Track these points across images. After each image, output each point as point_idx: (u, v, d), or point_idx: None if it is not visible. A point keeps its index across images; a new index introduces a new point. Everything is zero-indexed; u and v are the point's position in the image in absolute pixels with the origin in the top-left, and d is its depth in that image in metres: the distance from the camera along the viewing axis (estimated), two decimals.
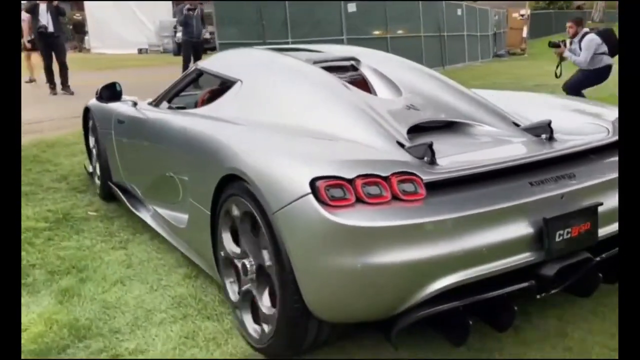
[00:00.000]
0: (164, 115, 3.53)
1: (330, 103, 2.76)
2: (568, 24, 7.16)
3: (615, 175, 2.46)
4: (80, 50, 27.75)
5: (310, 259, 2.03)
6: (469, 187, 2.18)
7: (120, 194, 4.17)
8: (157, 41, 28.28)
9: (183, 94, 3.95)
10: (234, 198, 2.40)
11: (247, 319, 2.51)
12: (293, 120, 2.71)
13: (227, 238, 2.59)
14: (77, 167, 5.61)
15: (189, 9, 11.71)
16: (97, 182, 4.73)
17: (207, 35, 12.30)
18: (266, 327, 2.36)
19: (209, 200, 2.59)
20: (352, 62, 3.41)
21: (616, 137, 2.65)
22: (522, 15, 23.81)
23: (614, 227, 2.41)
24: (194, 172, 2.87)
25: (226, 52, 4.10)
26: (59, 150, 6.46)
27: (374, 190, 2.01)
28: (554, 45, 7.12)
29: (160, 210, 3.51)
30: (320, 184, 1.98)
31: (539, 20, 34.67)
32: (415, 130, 2.68)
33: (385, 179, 2.03)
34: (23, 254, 3.48)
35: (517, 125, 2.82)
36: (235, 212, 2.42)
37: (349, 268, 1.97)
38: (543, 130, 2.62)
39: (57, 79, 11.21)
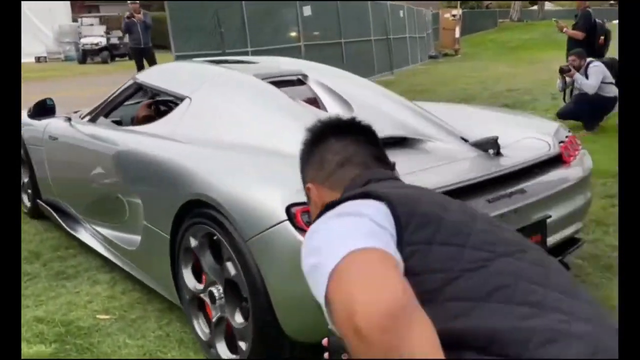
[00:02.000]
0: (105, 132, 3.66)
1: (289, 122, 2.94)
2: (571, 58, 7.64)
3: (560, 188, 2.86)
4: None
5: (286, 284, 2.26)
6: None
7: (53, 212, 4.29)
8: (57, 48, 27.64)
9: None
10: (196, 227, 2.60)
11: (222, 349, 2.64)
12: (251, 139, 2.86)
13: (188, 275, 2.77)
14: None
15: (128, 17, 12.03)
16: (25, 200, 4.85)
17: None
18: (243, 345, 2.49)
19: (169, 224, 2.75)
20: (299, 77, 3.62)
21: (557, 151, 3.03)
22: (454, 16, 24.94)
23: (560, 236, 2.85)
24: (149, 194, 3.04)
25: (166, 65, 4.31)
26: None
27: None
28: (564, 71, 7.62)
29: (103, 230, 3.65)
30: (296, 210, 2.20)
31: None
32: None
33: None
34: None
35: (464, 140, 3.08)
36: (193, 243, 2.62)
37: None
38: (491, 146, 2.87)
39: None
